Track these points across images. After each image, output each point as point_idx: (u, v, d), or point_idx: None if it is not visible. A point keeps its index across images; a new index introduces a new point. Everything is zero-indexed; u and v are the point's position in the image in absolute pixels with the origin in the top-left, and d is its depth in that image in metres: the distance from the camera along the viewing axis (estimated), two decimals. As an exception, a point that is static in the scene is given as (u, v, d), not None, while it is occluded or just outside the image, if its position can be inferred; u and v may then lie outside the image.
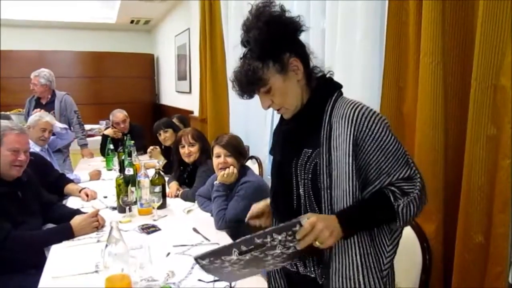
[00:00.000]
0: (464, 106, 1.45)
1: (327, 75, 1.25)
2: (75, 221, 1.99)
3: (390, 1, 1.71)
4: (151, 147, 3.64)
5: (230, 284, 1.46)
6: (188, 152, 2.67)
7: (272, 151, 1.38)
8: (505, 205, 1.29)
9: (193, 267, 1.63)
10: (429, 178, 1.53)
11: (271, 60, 1.15)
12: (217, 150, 2.20)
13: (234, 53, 3.56)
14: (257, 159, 3.04)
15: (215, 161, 2.20)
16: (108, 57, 7.51)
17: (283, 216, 1.23)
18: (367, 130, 1.12)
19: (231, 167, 2.13)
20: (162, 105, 7.62)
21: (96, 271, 1.62)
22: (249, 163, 3.01)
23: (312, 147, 1.19)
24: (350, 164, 1.12)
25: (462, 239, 1.41)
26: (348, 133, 1.13)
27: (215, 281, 1.49)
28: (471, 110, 1.36)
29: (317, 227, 1.02)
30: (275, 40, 1.14)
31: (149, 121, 6.85)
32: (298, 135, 1.24)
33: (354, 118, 1.13)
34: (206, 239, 1.94)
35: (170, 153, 3.50)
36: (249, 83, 1.16)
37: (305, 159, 1.20)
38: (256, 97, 1.24)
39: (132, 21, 7.63)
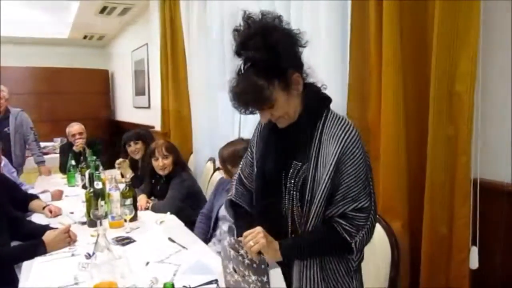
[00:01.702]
0: (423, 110, 1.59)
1: (321, 87, 1.29)
2: (48, 237, 1.95)
3: (352, 15, 1.84)
4: (120, 160, 3.57)
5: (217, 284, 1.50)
6: (162, 164, 2.69)
7: (259, 159, 1.37)
8: (465, 198, 1.44)
9: (175, 273, 1.65)
10: (394, 179, 1.69)
11: (277, 79, 1.16)
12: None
13: (198, 65, 3.63)
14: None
15: None
16: (61, 73, 7.31)
17: (272, 221, 1.29)
18: (350, 154, 1.18)
19: None
20: (119, 121, 7.49)
21: (76, 283, 1.60)
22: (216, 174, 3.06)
23: (301, 160, 1.24)
24: (327, 182, 1.18)
25: (428, 232, 1.55)
26: (335, 152, 1.18)
27: (200, 285, 1.53)
28: (431, 114, 1.51)
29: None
30: (282, 59, 1.14)
31: (105, 137, 6.72)
32: (291, 147, 1.27)
33: (343, 140, 1.18)
34: (183, 247, 1.96)
35: (137, 166, 3.49)
36: (255, 102, 1.17)
37: (295, 172, 1.24)
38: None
39: (85, 37, 7.51)
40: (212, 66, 3.38)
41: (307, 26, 2.13)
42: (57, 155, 5.21)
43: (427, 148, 1.55)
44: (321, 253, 1.26)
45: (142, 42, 5.69)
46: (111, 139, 7.04)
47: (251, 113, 1.22)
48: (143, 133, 3.62)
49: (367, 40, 1.81)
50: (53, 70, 7.23)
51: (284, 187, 1.27)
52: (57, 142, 5.69)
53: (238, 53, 1.18)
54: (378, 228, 1.67)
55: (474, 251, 1.46)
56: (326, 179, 1.18)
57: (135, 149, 3.43)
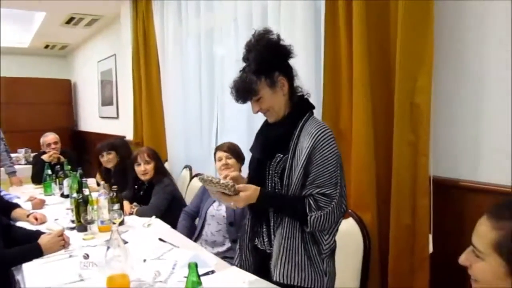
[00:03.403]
0: (388, 118, 1.86)
1: (305, 96, 1.58)
2: (43, 240, 2.04)
3: (326, 39, 2.10)
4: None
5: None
6: (144, 169, 2.82)
7: (252, 149, 1.69)
8: (424, 192, 1.72)
9: (174, 267, 1.81)
10: (364, 178, 1.94)
11: (264, 76, 1.47)
12: (219, 154, 2.47)
13: (173, 77, 3.79)
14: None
15: (217, 164, 2.46)
16: (21, 82, 7.20)
17: None
18: (320, 147, 1.44)
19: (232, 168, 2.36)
20: (84, 131, 7.43)
21: (82, 280, 1.72)
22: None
23: (283, 153, 1.52)
24: (301, 172, 1.46)
25: (395, 222, 1.81)
26: (308, 146, 1.45)
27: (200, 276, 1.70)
28: (396, 122, 1.79)
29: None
30: (269, 61, 1.46)
31: (68, 148, 6.65)
32: (275, 142, 1.55)
33: (315, 135, 1.45)
34: (175, 246, 2.12)
35: (110, 175, 3.58)
36: (244, 92, 1.49)
37: (276, 162, 1.54)
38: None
39: (46, 46, 7.43)
40: (188, 78, 3.56)
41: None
42: (22, 166, 5.18)
43: (392, 151, 1.82)
44: (286, 209, 1.51)
45: (110, 53, 5.76)
46: (75, 150, 6.98)
47: (244, 102, 1.54)
48: (116, 144, 3.71)
49: (338, 60, 2.07)
50: (12, 80, 7.10)
51: (268, 174, 1.56)
52: (21, 153, 5.60)
53: (243, 57, 1.52)
54: (351, 221, 1.94)
55: (429, 238, 1.74)
56: (300, 168, 1.45)
57: (107, 159, 3.50)
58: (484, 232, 0.88)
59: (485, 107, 1.66)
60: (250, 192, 1.46)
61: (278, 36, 1.49)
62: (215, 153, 2.53)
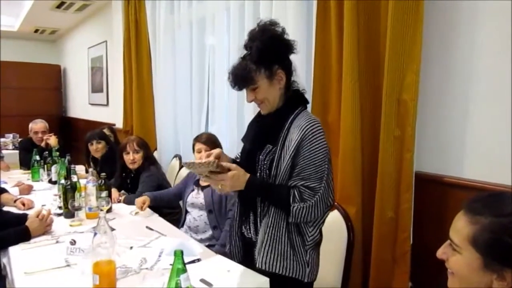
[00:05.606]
0: (376, 114, 1.90)
1: (301, 91, 1.60)
2: (33, 224, 2.05)
3: (316, 35, 2.12)
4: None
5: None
6: (133, 158, 2.83)
7: (243, 139, 1.72)
8: (408, 186, 1.75)
9: (160, 255, 1.84)
10: (350, 172, 1.98)
11: (263, 67, 1.48)
12: (198, 146, 2.49)
13: (164, 65, 3.78)
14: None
15: (197, 156, 2.48)
16: (8, 66, 7.08)
17: None
18: (308, 141, 1.47)
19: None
20: (72, 117, 7.36)
21: (68, 265, 1.73)
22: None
23: (273, 144, 1.55)
24: (288, 163, 1.48)
25: (379, 216, 1.85)
26: (297, 138, 1.47)
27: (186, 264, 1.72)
28: (383, 117, 1.82)
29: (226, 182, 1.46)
30: (271, 53, 1.47)
31: (55, 134, 6.60)
32: (265, 133, 1.58)
33: (304, 129, 1.48)
34: (162, 234, 2.14)
35: (97, 164, 3.57)
36: (242, 79, 1.50)
37: (266, 153, 1.56)
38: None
39: (36, 30, 7.33)
40: (179, 67, 3.55)
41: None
42: (9, 151, 5.13)
43: (379, 146, 1.85)
44: (271, 197, 1.53)
45: (101, 39, 5.71)
46: (63, 136, 6.93)
47: (240, 89, 1.55)
48: (106, 133, 3.70)
49: (328, 56, 2.09)
50: (0, 64, 6.99)
51: (257, 164, 1.58)
52: (9, 138, 5.55)
53: (245, 44, 1.52)
54: (336, 214, 1.97)
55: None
56: (288, 158, 1.48)
57: (96, 148, 3.48)
58: (461, 226, 0.91)
59: (471, 105, 1.69)
60: (238, 172, 1.47)
61: (283, 29, 1.50)
62: (194, 144, 2.55)
